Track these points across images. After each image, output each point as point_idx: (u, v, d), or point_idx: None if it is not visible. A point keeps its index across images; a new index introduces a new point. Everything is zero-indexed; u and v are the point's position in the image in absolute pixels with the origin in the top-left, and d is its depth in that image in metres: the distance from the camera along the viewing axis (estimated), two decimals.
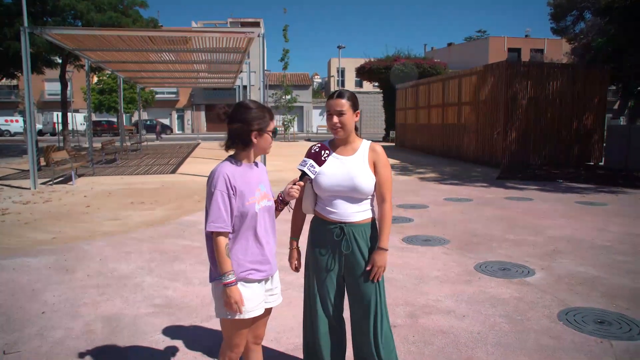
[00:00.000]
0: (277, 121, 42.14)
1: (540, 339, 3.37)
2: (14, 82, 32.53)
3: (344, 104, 2.43)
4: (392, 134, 26.92)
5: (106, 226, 6.91)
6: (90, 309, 3.88)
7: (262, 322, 2.39)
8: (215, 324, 3.52)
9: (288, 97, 32.59)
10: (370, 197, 2.51)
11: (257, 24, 52.89)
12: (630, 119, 25.01)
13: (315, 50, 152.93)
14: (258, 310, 2.22)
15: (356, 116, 2.49)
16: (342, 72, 47.41)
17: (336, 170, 2.46)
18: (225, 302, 2.11)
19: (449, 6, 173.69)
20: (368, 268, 2.46)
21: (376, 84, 31.09)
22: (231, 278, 2.09)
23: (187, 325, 3.58)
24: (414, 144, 21.37)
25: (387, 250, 2.47)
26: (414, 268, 4.97)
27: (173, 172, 13.85)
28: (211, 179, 2.15)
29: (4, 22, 16.78)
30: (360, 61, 31.03)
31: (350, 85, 49.14)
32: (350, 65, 41.67)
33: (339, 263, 2.49)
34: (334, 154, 2.51)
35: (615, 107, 33.41)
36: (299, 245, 2.63)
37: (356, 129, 2.58)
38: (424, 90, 20.21)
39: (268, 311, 2.38)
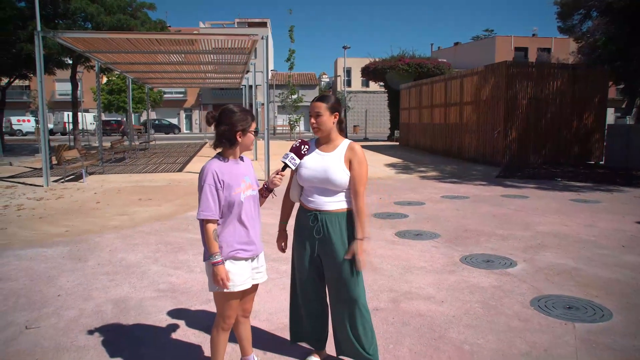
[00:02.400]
0: (284, 120, 42.59)
1: (510, 321, 3.68)
2: (26, 82, 33.19)
3: (321, 106, 2.75)
4: (397, 133, 27.17)
5: (115, 221, 7.29)
6: (100, 292, 4.25)
7: (250, 297, 2.74)
8: (212, 307, 3.85)
9: (294, 96, 32.96)
10: (345, 190, 2.79)
11: (264, 24, 53.35)
12: (638, 118, 25.04)
13: (323, 49, 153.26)
14: (245, 285, 2.57)
15: (334, 117, 2.80)
16: (348, 72, 47.64)
17: (315, 164, 2.78)
18: (214, 278, 2.46)
19: (456, 6, 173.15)
20: (348, 257, 2.73)
21: (381, 83, 31.30)
22: (218, 258, 2.44)
23: (188, 307, 3.94)
24: (417, 144, 21.65)
25: (362, 239, 2.72)
26: (402, 259, 5.29)
27: (180, 170, 14.25)
28: (201, 174, 2.50)
29: (17, 25, 17.26)
30: (367, 61, 31.26)
31: (356, 84, 49.34)
32: (357, 64, 41.85)
33: (314, 246, 2.81)
34: (317, 150, 2.84)
35: (624, 106, 33.37)
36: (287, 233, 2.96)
37: (342, 129, 2.91)
38: (427, 90, 20.47)
39: (254, 287, 2.73)
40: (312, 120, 2.77)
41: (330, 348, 3.09)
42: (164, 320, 3.68)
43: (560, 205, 8.74)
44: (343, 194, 2.80)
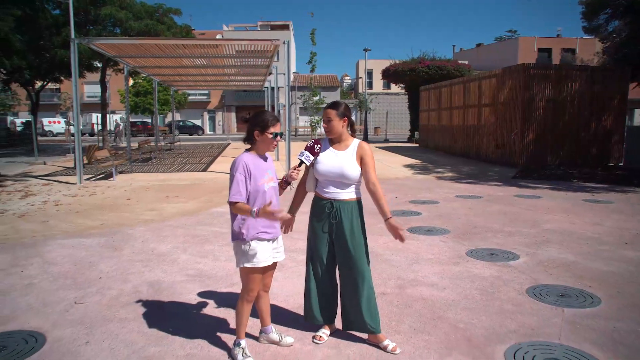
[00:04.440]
0: (305, 122, 43.18)
1: (504, 306, 4.04)
2: (57, 85, 34.49)
3: (331, 112, 3.21)
4: (417, 135, 27.39)
5: (145, 215, 7.84)
6: (136, 276, 4.76)
7: (270, 273, 3.19)
8: (235, 289, 4.33)
9: (316, 98, 33.44)
10: (356, 183, 3.25)
11: (286, 27, 53.98)
12: None
13: (345, 51, 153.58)
14: (267, 262, 3.04)
15: (344, 122, 3.25)
16: (369, 74, 47.93)
17: (331, 160, 3.23)
18: (264, 217, 2.85)
19: (479, 7, 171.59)
20: (399, 234, 3.12)
21: (402, 85, 31.52)
22: (255, 212, 2.84)
23: (214, 289, 4.42)
24: (437, 145, 21.89)
25: (391, 217, 3.16)
26: (411, 252, 5.67)
27: (204, 170, 14.83)
28: (233, 165, 2.97)
29: (52, 32, 18.14)
30: (388, 63, 31.51)
31: (378, 86, 49.59)
32: (379, 66, 42.11)
33: (329, 230, 3.25)
34: (331, 148, 3.29)
35: None
36: (301, 225, 3.38)
37: (354, 130, 3.35)
38: (446, 92, 20.71)
39: (274, 265, 3.18)
40: (324, 125, 3.22)
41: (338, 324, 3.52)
42: (193, 300, 4.15)
43: (571, 205, 8.95)
44: (354, 186, 3.26)
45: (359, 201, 3.29)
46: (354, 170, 3.19)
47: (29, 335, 3.45)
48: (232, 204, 2.91)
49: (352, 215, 3.22)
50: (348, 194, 3.23)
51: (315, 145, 3.22)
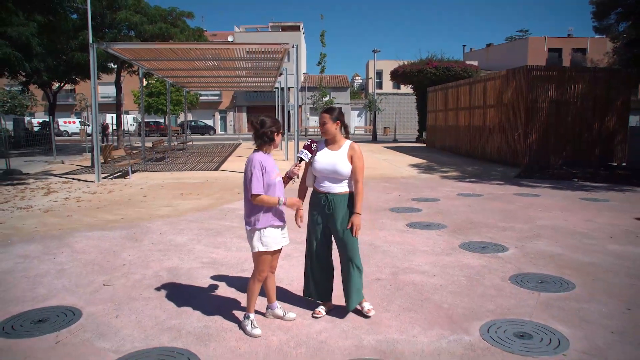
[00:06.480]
0: (315, 122, 43.66)
1: (486, 290, 4.48)
2: (72, 86, 35.32)
3: (326, 117, 3.72)
4: (425, 135, 27.73)
5: (162, 211, 8.37)
6: (156, 263, 5.28)
7: (276, 256, 3.71)
8: (245, 274, 4.81)
9: (325, 99, 33.89)
10: (347, 178, 3.73)
11: (297, 28, 54.48)
12: None
13: (355, 51, 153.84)
14: (277, 246, 3.55)
15: (337, 125, 3.74)
16: (379, 74, 48.29)
17: (326, 159, 3.72)
18: (290, 207, 3.48)
19: (490, 6, 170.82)
20: (348, 227, 3.68)
21: (411, 86, 31.84)
22: (282, 201, 3.44)
23: (226, 274, 4.92)
24: (443, 145, 22.26)
25: (360, 214, 3.69)
26: (408, 244, 6.12)
27: (216, 169, 15.37)
28: (250, 163, 3.46)
29: (69, 36, 18.81)
30: (397, 63, 31.85)
31: (387, 86, 49.90)
32: (388, 67, 42.42)
33: (325, 220, 3.75)
34: (325, 148, 3.78)
35: None
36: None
37: (348, 132, 3.83)
38: (452, 93, 21.08)
39: (280, 249, 3.68)
40: (320, 127, 3.71)
41: (336, 301, 3.99)
42: (208, 283, 4.66)
43: (568, 203, 9.30)
44: (346, 181, 3.75)
45: (350, 194, 3.77)
46: (345, 168, 3.68)
47: (67, 310, 3.97)
48: (255, 197, 3.40)
49: (345, 206, 3.71)
50: (341, 188, 3.72)
51: (312, 144, 3.71)
